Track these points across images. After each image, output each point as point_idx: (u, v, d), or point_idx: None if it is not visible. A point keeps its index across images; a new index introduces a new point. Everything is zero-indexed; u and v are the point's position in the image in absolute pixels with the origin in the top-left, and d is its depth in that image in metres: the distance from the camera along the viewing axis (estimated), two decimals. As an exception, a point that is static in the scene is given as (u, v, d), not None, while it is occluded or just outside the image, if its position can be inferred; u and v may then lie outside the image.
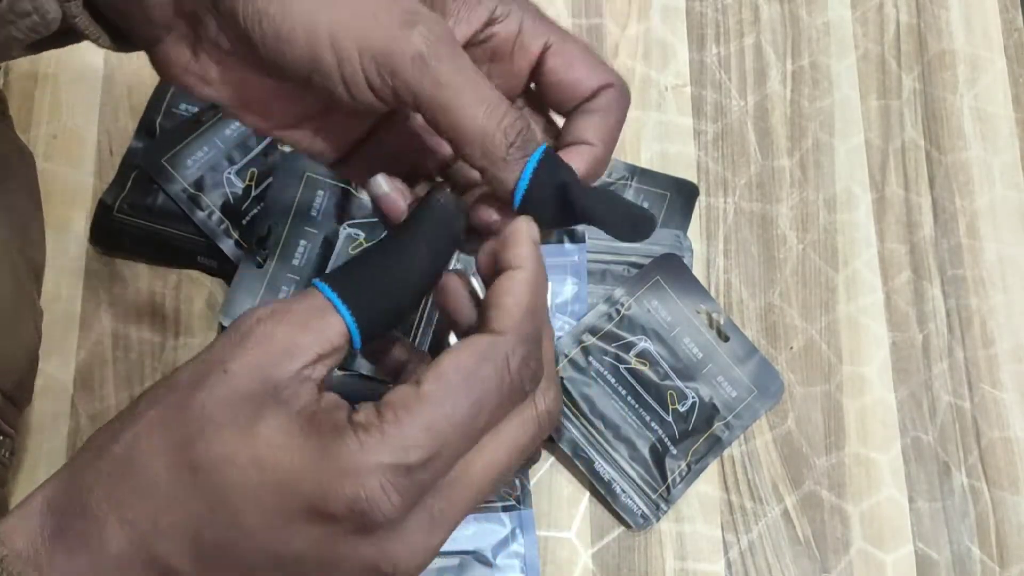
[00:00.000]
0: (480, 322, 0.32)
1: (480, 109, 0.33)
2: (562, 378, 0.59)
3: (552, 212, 0.35)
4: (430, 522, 0.30)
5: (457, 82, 0.32)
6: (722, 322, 0.61)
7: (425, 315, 0.58)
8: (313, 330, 0.31)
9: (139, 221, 0.60)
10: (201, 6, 0.34)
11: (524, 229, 0.33)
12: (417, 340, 0.58)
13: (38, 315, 0.54)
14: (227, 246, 0.60)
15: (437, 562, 0.56)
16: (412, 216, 0.35)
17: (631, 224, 0.36)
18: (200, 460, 0.29)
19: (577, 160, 0.36)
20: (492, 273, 0.34)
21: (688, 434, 0.59)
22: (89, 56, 0.64)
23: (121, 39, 0.37)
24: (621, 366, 0.60)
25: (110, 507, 0.30)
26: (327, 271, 0.33)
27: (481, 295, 0.35)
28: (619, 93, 0.37)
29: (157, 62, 0.37)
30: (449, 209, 0.34)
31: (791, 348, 0.63)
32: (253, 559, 0.30)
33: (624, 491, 0.58)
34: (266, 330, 0.31)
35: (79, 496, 0.30)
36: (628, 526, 0.58)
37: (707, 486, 0.59)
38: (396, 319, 0.33)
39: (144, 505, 0.30)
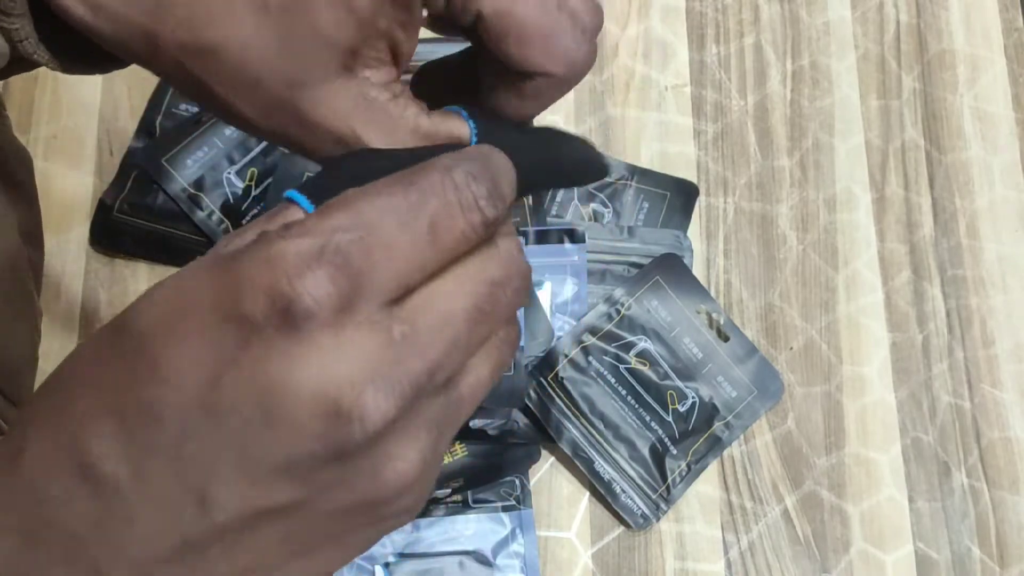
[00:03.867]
0: None
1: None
2: (562, 378, 0.59)
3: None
4: (390, 342, 0.24)
5: None
6: (722, 322, 0.61)
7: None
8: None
9: (139, 221, 0.60)
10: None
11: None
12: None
13: (37, 315, 0.54)
14: (227, 246, 0.60)
15: (437, 562, 0.56)
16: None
17: (576, 170, 0.33)
18: (122, 324, 0.25)
19: None
20: None
21: (688, 434, 0.59)
22: (89, 56, 0.64)
23: (77, 62, 0.36)
24: (621, 366, 0.60)
25: (32, 416, 0.26)
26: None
27: None
28: (557, 84, 0.32)
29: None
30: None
31: (791, 348, 0.63)
32: (181, 417, 0.24)
33: (624, 491, 0.58)
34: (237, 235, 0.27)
35: (14, 426, 0.27)
36: (628, 526, 0.58)
37: (707, 486, 0.59)
38: None
39: (65, 397, 0.26)
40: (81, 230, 0.61)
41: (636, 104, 0.67)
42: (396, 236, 0.25)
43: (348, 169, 0.29)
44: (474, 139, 0.32)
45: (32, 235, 0.55)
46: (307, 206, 0.27)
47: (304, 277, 0.23)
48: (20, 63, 0.35)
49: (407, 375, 0.24)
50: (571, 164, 0.34)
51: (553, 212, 0.63)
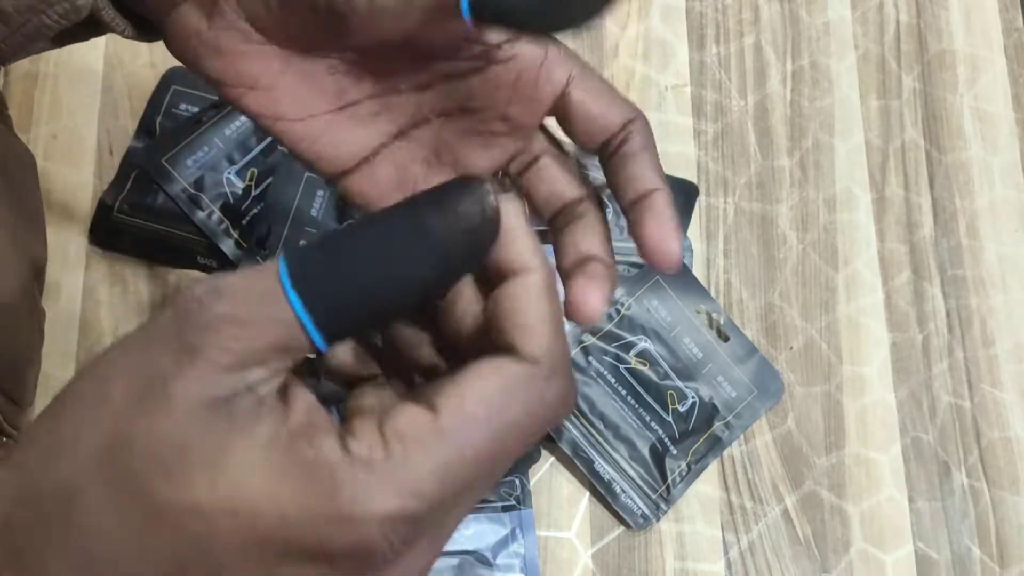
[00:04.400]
0: (497, 338, 0.27)
1: None
2: (562, 378, 0.59)
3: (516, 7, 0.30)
4: (430, 544, 0.28)
5: None
6: (722, 322, 0.61)
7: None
8: (265, 327, 0.26)
9: (139, 221, 0.60)
10: None
11: (518, 221, 0.28)
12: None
13: (40, 315, 0.54)
14: (227, 246, 0.60)
15: (437, 562, 0.56)
16: (427, 198, 0.26)
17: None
18: (158, 509, 0.25)
19: (653, 215, 0.34)
20: (491, 277, 0.29)
21: (688, 434, 0.59)
22: (89, 56, 0.64)
23: (143, 28, 0.37)
24: (621, 366, 0.60)
25: (50, 557, 0.25)
26: (302, 244, 0.26)
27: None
28: (645, 124, 0.36)
29: (168, 33, 0.35)
30: (487, 204, 0.26)
31: (791, 348, 0.63)
32: None
33: (624, 491, 0.58)
34: (210, 324, 0.25)
35: (13, 540, 0.26)
36: (628, 526, 0.58)
37: (707, 486, 0.59)
38: (376, 321, 0.27)
39: (93, 557, 0.25)
40: (81, 230, 0.61)
41: (636, 104, 0.67)
42: (472, 482, 0.26)
43: (358, 252, 0.26)
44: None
45: (35, 236, 0.55)
46: (286, 283, 0.25)
47: (383, 546, 0.25)
48: (84, 29, 0.36)
49: (437, 556, 0.28)
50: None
51: (553, 212, 0.63)
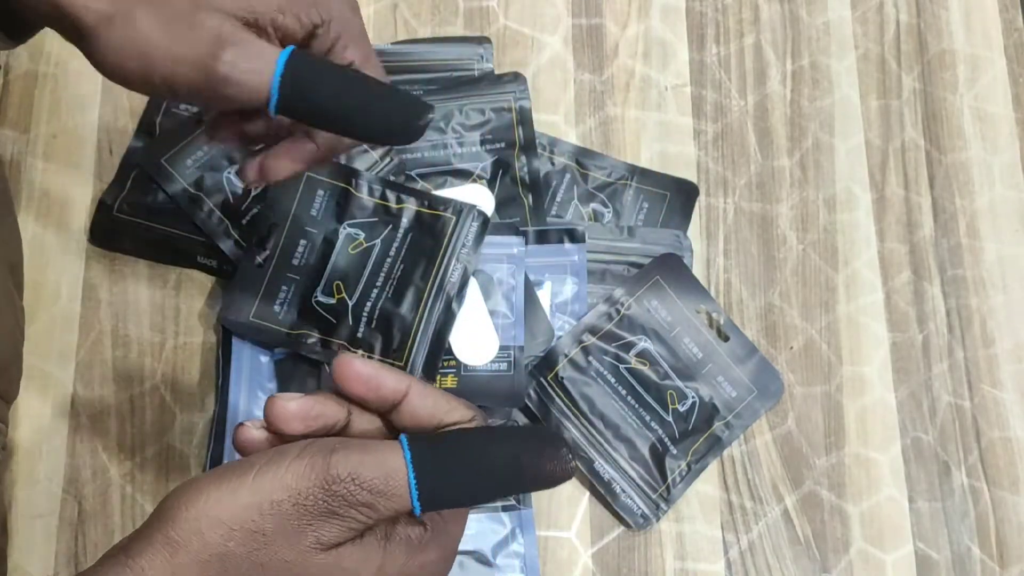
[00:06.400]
0: None
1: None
2: (562, 378, 0.59)
3: (315, 114, 0.40)
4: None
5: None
6: (722, 322, 0.61)
7: (418, 338, 0.58)
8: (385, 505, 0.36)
9: (139, 221, 0.60)
10: None
11: None
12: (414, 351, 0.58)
13: (19, 312, 0.54)
14: (227, 246, 0.60)
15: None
16: (530, 445, 0.36)
17: (390, 116, 0.40)
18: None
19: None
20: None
21: (688, 434, 0.59)
22: (89, 56, 0.64)
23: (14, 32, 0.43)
24: (621, 366, 0.60)
25: None
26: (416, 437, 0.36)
27: None
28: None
29: None
30: (569, 469, 0.37)
31: (791, 348, 0.63)
32: None
33: (624, 491, 0.58)
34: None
35: None
36: (628, 526, 0.58)
37: (707, 486, 0.59)
38: (451, 506, 0.37)
39: None
40: (81, 230, 0.61)
41: (636, 104, 0.67)
42: None
43: (466, 460, 0.36)
44: (280, 68, 0.39)
45: (6, 231, 0.55)
46: (415, 495, 0.35)
47: None
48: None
49: None
50: (373, 109, 0.40)
51: (553, 212, 0.63)
